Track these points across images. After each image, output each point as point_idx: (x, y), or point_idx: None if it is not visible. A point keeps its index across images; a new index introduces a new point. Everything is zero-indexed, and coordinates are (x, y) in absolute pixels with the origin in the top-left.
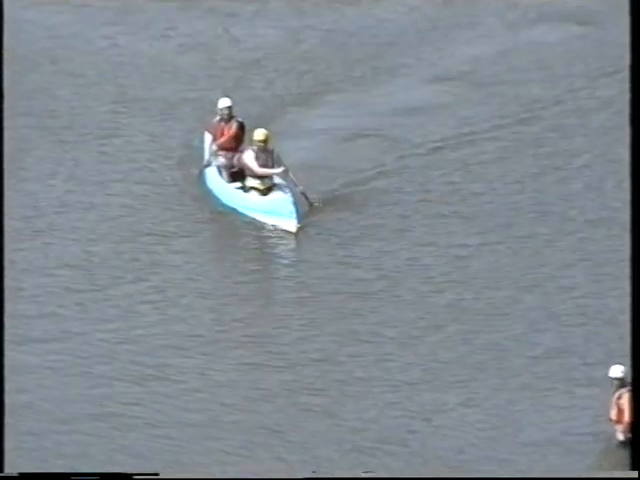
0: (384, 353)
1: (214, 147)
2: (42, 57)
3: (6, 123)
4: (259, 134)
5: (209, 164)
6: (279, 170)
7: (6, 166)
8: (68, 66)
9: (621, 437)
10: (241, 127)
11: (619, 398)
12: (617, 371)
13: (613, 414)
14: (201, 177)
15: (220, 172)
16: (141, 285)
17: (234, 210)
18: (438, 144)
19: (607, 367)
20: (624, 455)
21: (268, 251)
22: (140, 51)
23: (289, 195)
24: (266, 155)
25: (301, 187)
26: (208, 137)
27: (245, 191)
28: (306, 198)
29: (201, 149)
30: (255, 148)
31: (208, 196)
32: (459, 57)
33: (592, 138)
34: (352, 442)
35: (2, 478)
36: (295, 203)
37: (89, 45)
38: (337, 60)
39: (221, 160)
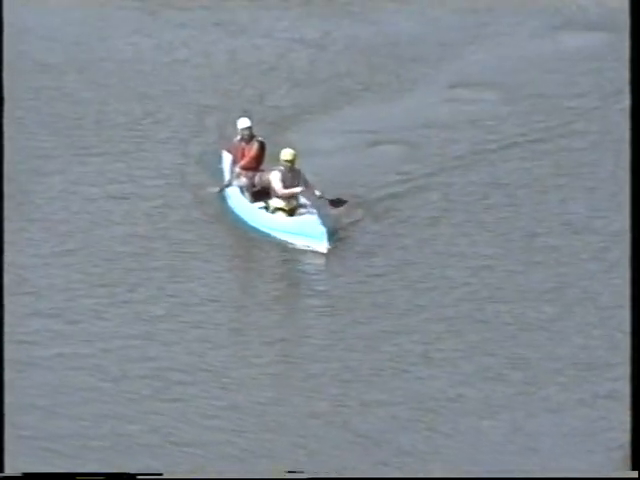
0: (403, 366)
1: (237, 169)
2: (67, 65)
3: (27, 133)
4: (286, 154)
5: (230, 184)
6: (299, 189)
7: (26, 176)
8: (92, 74)
9: None
10: (262, 147)
11: None
12: None
13: None
14: (222, 197)
15: (242, 192)
16: (166, 301)
17: (258, 230)
18: (461, 153)
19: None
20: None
21: (292, 264)
22: (163, 60)
23: (317, 216)
24: (293, 175)
25: (320, 193)
26: (227, 156)
27: (269, 211)
28: (333, 202)
29: (220, 168)
30: (282, 168)
31: (230, 216)
32: (482, 66)
33: (618, 149)
34: (371, 455)
35: (5, 478)
36: (325, 224)
37: (113, 53)
38: (357, 70)
39: (243, 180)
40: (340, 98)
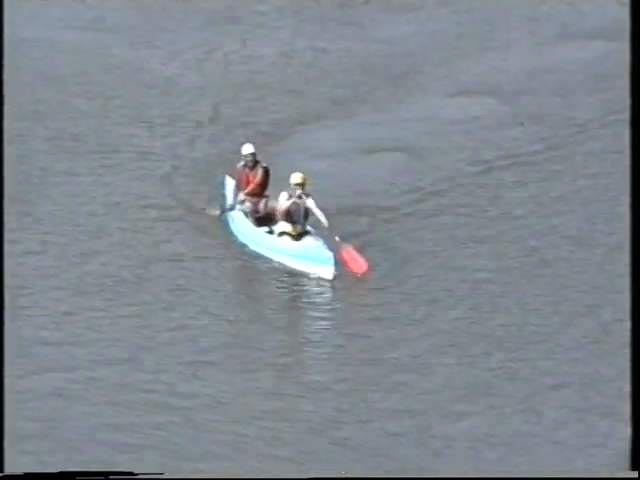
0: (399, 381)
1: (241, 196)
2: (70, 77)
3: (28, 145)
4: (296, 178)
5: (232, 208)
6: (290, 202)
7: (23, 189)
8: (95, 86)
9: None
10: (266, 173)
11: None
12: None
13: None
14: (225, 220)
15: (246, 216)
16: (168, 323)
17: (262, 254)
18: (463, 166)
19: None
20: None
21: (298, 288)
22: (164, 72)
23: (322, 242)
24: (300, 200)
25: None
26: (230, 181)
27: (275, 235)
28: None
29: (222, 192)
30: (291, 192)
31: (233, 239)
32: (485, 76)
33: (620, 161)
34: (372, 473)
35: (6, 477)
36: (331, 249)
37: (114, 65)
38: (358, 78)
39: (247, 205)
40: (341, 106)
